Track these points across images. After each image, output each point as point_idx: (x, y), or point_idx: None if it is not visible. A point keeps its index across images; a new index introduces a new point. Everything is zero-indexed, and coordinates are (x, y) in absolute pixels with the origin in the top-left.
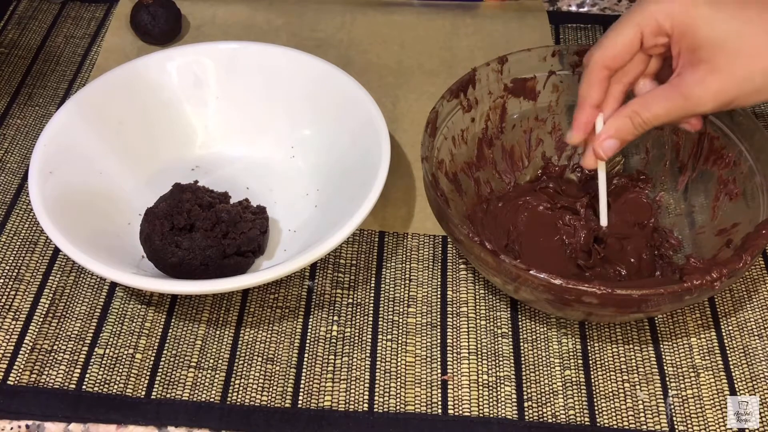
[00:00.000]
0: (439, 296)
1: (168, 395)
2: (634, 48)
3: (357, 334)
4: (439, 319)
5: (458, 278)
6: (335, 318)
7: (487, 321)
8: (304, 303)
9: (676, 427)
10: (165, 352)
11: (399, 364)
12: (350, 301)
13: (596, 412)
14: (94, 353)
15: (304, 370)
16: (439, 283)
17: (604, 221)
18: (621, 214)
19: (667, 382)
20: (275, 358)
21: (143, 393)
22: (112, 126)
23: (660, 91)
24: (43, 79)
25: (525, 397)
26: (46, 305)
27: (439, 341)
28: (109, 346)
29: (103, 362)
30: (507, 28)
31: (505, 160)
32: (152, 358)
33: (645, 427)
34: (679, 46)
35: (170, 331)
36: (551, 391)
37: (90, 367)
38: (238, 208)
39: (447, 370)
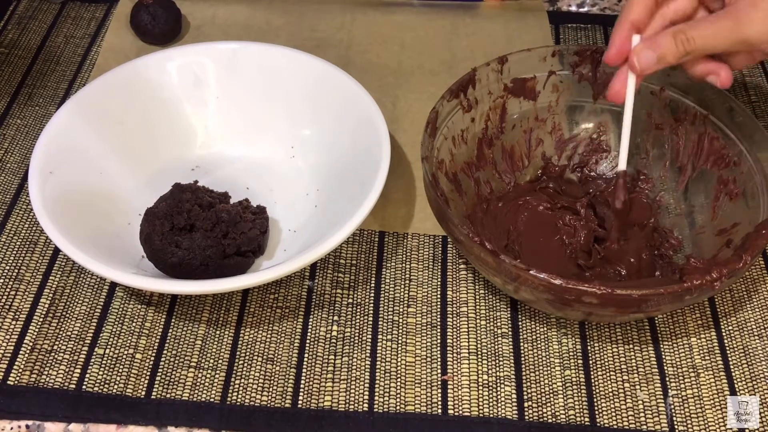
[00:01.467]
0: (439, 296)
1: (168, 395)
2: None
3: (357, 334)
4: (439, 319)
5: (458, 278)
6: (335, 318)
7: (487, 321)
8: (304, 303)
9: (676, 427)
10: (165, 352)
11: (399, 364)
12: (350, 301)
13: (596, 412)
14: (94, 353)
15: (304, 370)
16: (439, 283)
17: (623, 164)
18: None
19: (667, 382)
20: (275, 358)
21: (143, 393)
22: (112, 126)
23: (709, 15)
24: (43, 79)
25: (525, 397)
26: (46, 305)
27: (439, 341)
28: (109, 346)
29: (103, 362)
30: (507, 28)
31: (505, 160)
32: (152, 358)
33: (645, 427)
34: None
35: (170, 331)
36: (551, 391)
37: (90, 367)
38: (238, 208)
39: (447, 370)
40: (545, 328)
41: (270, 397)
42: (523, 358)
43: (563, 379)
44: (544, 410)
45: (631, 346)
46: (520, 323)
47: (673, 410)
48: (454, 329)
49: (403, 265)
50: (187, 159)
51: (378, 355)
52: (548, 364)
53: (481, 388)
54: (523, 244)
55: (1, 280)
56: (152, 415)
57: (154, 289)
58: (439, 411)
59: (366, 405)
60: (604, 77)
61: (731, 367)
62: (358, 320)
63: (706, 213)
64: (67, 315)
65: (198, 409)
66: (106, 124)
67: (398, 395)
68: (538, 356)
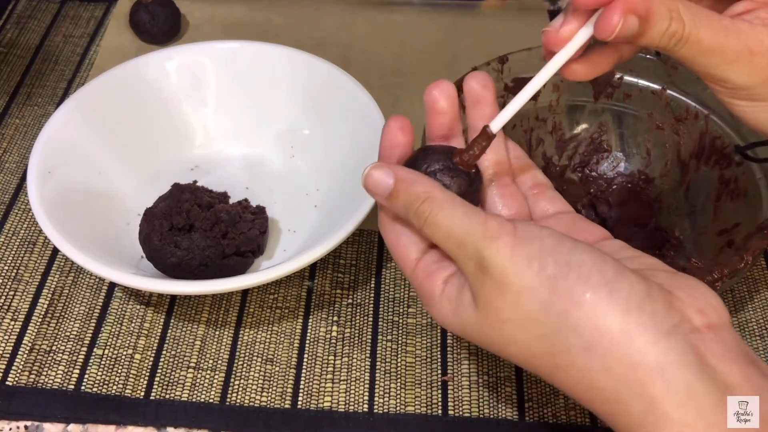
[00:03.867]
0: None
1: (167, 396)
2: None
3: (357, 335)
4: None
5: None
6: (335, 318)
7: None
8: (303, 303)
9: None
10: (164, 352)
11: (399, 364)
12: (350, 301)
13: None
14: (93, 354)
15: (304, 371)
16: None
17: (497, 126)
18: (622, 214)
19: None
20: (275, 359)
21: (142, 394)
22: (111, 126)
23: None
24: (42, 79)
25: (526, 397)
26: (45, 305)
27: (439, 342)
28: (108, 347)
29: (102, 363)
30: (507, 28)
31: None
32: (151, 359)
33: None
34: None
35: (169, 331)
36: (552, 391)
37: (89, 368)
38: (238, 208)
39: (447, 370)
40: None
41: (269, 398)
42: None
43: None
44: (545, 411)
45: None
46: None
47: None
48: None
49: None
50: (186, 159)
51: (378, 355)
52: None
53: (481, 388)
54: None
55: (0, 280)
56: (151, 415)
57: (153, 290)
58: (440, 412)
59: (366, 406)
60: (605, 76)
61: None
62: (357, 320)
63: (708, 213)
64: (66, 315)
65: (197, 410)
66: (105, 124)
67: (398, 396)
68: None
